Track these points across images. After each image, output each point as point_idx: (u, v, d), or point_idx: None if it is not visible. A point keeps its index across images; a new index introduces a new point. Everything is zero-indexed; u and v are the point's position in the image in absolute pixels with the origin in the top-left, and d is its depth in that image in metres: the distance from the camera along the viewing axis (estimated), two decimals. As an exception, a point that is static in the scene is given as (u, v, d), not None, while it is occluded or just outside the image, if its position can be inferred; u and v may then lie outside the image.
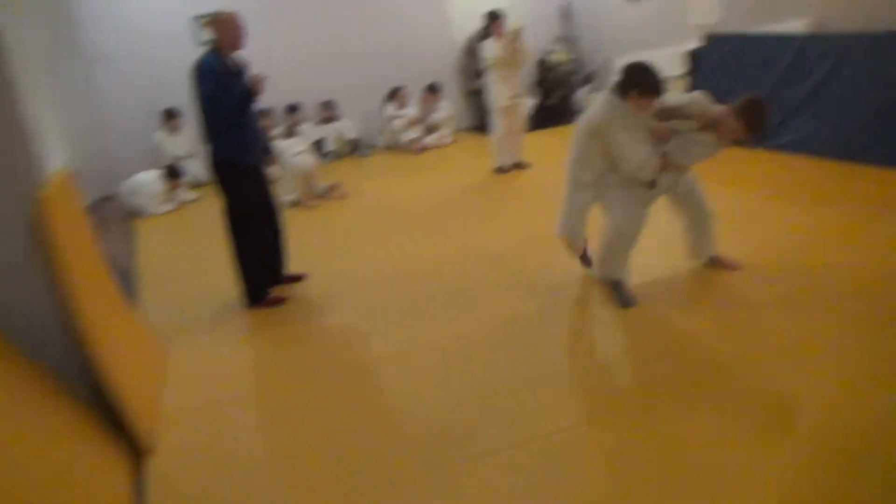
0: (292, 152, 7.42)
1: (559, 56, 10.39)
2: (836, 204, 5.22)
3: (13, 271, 3.06)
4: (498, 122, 7.48)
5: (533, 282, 4.49)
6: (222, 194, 4.53)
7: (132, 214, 7.80)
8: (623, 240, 3.96)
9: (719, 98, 7.23)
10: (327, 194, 7.51)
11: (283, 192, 6.99)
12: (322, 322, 4.38)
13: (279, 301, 4.70)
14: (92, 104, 8.75)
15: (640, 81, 3.69)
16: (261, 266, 4.69)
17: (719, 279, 4.16)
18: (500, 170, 7.60)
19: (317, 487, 2.75)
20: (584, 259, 4.46)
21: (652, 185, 3.94)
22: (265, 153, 4.94)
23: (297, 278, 5.04)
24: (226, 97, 4.24)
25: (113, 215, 7.92)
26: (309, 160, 7.49)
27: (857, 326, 3.39)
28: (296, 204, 7.28)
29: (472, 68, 10.15)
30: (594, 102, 3.98)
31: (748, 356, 3.25)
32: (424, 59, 10.27)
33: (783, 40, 7.03)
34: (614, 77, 3.91)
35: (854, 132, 6.20)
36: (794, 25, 7.25)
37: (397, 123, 9.50)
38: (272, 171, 7.64)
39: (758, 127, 3.71)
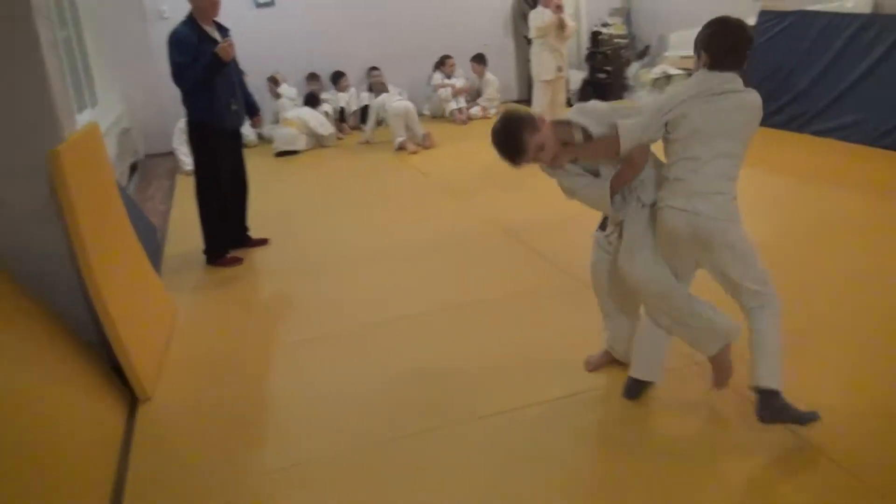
0: (391, 101, 8.24)
1: (614, 29, 10.16)
2: (869, 194, 5.04)
3: (33, 219, 3.22)
4: (540, 95, 7.39)
5: (548, 259, 4.46)
6: (193, 155, 4.79)
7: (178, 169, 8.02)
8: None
9: (775, 77, 6.96)
10: (425, 142, 8.12)
11: (393, 136, 8.11)
12: (329, 287, 4.43)
13: (236, 261, 4.87)
14: (148, 63, 8.96)
15: None
16: (221, 227, 4.87)
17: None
18: (538, 143, 7.52)
19: (291, 440, 2.83)
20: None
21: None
22: (253, 113, 5.12)
23: (261, 242, 5.19)
24: (192, 67, 4.42)
25: (164, 171, 8.16)
26: (407, 104, 8.20)
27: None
28: (401, 148, 7.97)
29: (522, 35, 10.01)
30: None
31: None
32: (475, 27, 10.16)
33: (840, 18, 6.73)
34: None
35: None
36: (853, 5, 6.92)
37: (443, 92, 9.47)
38: (260, 131, 8.31)
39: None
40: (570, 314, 3.75)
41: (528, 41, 9.75)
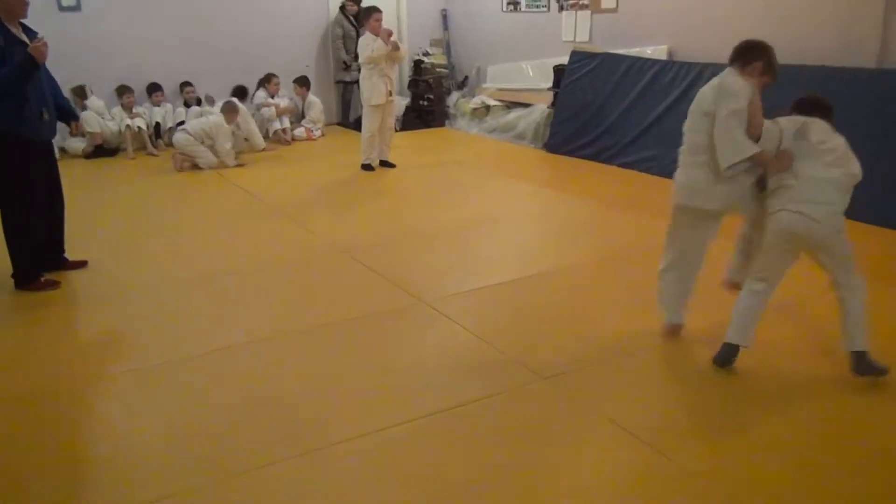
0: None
1: (435, 59, 10.51)
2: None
3: None
4: (370, 119, 7.47)
5: (388, 279, 4.52)
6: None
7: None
8: None
9: (586, 112, 7.61)
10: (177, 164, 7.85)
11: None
12: (161, 313, 4.17)
13: (52, 284, 4.49)
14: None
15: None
16: (33, 248, 4.47)
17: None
18: (368, 167, 7.60)
19: (142, 477, 2.64)
20: None
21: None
22: (69, 119, 4.80)
23: (79, 264, 4.81)
24: (1, 67, 4.07)
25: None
26: (180, 137, 7.82)
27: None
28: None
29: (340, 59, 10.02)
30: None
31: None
32: (297, 48, 10.07)
33: (642, 62, 7.46)
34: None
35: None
36: (651, 51, 7.71)
37: (267, 111, 9.28)
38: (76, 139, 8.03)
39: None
40: (417, 333, 3.83)
41: (346, 66, 9.84)
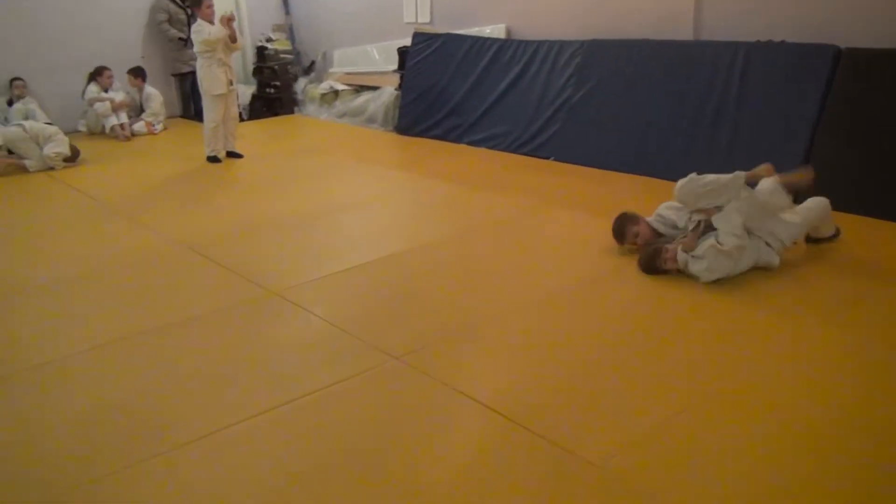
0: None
1: (279, 45, 10.27)
2: (518, 193, 5.82)
3: None
4: (212, 109, 7.21)
5: (238, 273, 4.41)
6: None
7: None
8: None
9: (431, 93, 7.68)
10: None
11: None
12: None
13: None
14: None
15: None
16: None
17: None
18: (214, 159, 7.34)
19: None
20: None
21: None
22: None
23: None
24: None
25: None
26: (13, 132, 7.35)
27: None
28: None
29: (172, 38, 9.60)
30: None
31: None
32: (131, 37, 9.56)
33: (482, 42, 7.63)
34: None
35: (536, 131, 6.95)
36: (490, 30, 7.89)
37: (100, 107, 8.75)
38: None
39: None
40: (267, 325, 3.76)
41: (183, 41, 9.33)
